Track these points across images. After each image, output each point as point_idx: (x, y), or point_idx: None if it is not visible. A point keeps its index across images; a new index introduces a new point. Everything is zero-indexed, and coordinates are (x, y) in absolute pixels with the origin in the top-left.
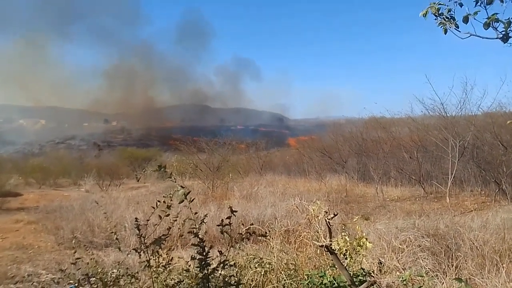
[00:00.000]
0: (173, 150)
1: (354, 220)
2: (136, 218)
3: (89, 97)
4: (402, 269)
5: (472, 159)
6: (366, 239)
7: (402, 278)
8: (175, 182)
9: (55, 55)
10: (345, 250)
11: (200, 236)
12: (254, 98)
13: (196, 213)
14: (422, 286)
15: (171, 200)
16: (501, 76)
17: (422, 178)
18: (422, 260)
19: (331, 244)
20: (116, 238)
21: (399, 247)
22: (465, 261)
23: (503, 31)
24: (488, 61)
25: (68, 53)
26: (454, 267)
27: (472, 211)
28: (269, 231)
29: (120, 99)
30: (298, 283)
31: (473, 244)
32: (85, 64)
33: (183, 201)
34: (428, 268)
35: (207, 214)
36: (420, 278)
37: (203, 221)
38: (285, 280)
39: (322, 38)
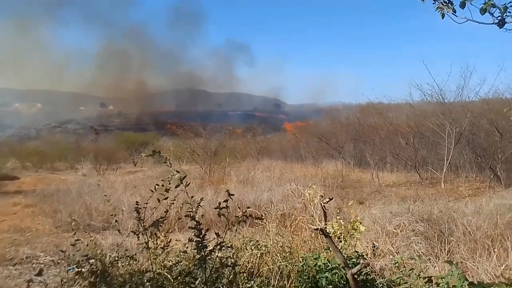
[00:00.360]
0: (170, 134)
1: (349, 204)
2: (136, 202)
3: (83, 80)
4: (396, 252)
5: (468, 146)
6: (360, 222)
7: (395, 261)
8: (170, 167)
9: (48, 38)
10: (339, 233)
11: (196, 219)
12: (249, 83)
13: (192, 197)
14: (413, 269)
15: (169, 184)
16: (499, 62)
17: (418, 164)
18: (416, 244)
19: (325, 227)
20: (116, 221)
21: (393, 232)
22: (458, 245)
23: (499, 16)
24: (487, 47)
25: (62, 35)
26: (446, 251)
27: (466, 197)
28: (266, 214)
29: (114, 82)
30: (293, 265)
31: (466, 229)
32: (78, 46)
33: (179, 185)
34: (421, 252)
35: (202, 197)
36: (412, 261)
37: (199, 205)
38: (280, 262)
39: (317, 24)
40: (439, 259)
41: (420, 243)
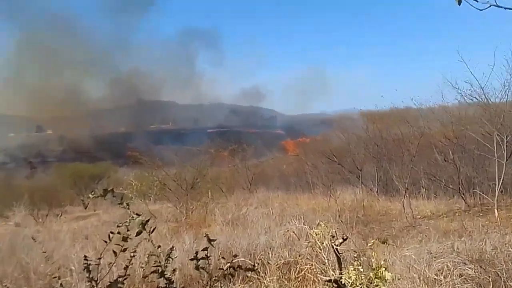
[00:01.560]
0: (131, 163)
1: (369, 244)
2: (85, 256)
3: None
4: None
5: None
6: (386, 268)
7: None
8: (128, 209)
9: None
10: (359, 284)
11: (167, 276)
12: (223, 89)
13: (159, 246)
14: None
15: (128, 231)
16: None
17: (462, 187)
18: None
19: (340, 278)
20: (61, 284)
21: (435, 279)
22: None
23: None
24: None
25: None
26: None
27: None
28: (263, 265)
29: (42, 94)
30: None
31: None
32: None
33: (141, 232)
34: None
35: (173, 247)
36: None
37: (170, 256)
38: None
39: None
40: None
41: None
